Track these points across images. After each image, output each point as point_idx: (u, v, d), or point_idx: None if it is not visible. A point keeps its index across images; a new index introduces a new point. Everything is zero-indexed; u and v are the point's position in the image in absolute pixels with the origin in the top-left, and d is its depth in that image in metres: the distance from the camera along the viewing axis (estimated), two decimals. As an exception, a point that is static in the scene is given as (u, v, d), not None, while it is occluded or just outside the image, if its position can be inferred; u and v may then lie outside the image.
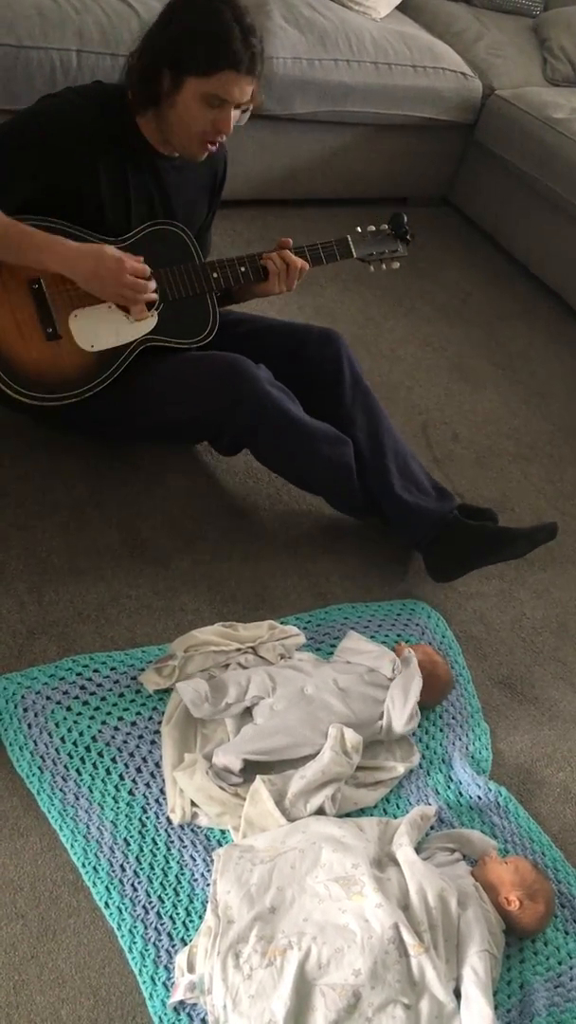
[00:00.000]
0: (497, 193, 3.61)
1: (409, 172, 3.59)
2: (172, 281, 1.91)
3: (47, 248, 1.75)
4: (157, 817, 1.56)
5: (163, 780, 1.60)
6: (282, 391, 1.95)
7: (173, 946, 1.41)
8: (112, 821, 1.53)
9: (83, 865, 1.46)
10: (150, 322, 1.91)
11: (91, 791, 1.56)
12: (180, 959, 1.38)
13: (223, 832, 1.56)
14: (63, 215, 1.83)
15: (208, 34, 1.69)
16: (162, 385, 1.92)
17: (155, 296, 1.87)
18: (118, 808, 1.55)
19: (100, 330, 1.86)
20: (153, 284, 1.85)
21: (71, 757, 1.59)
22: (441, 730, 1.84)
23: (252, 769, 1.61)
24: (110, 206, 1.86)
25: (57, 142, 1.77)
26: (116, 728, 1.65)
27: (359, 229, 2.10)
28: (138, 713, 1.69)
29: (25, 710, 1.63)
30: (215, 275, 1.95)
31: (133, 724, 1.67)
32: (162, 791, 1.59)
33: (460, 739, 1.84)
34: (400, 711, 1.73)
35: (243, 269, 1.96)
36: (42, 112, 1.79)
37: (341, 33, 3.12)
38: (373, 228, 2.12)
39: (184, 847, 1.53)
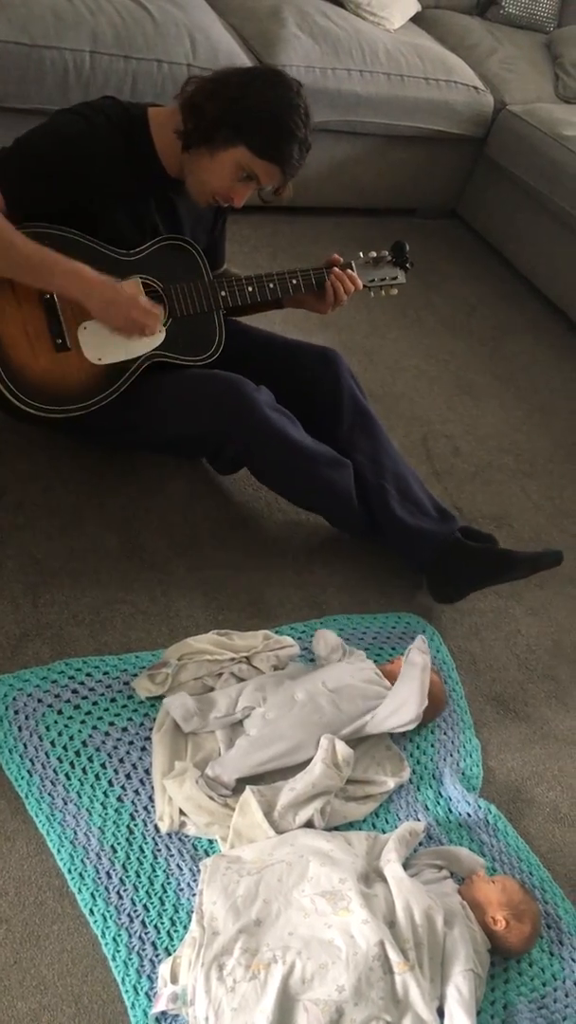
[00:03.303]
0: (505, 208, 3.62)
1: (418, 184, 3.60)
2: (181, 298, 1.92)
3: (72, 275, 1.76)
4: (145, 825, 1.55)
5: (152, 787, 1.60)
6: (282, 414, 1.95)
7: (157, 956, 1.40)
8: (100, 827, 1.52)
9: (69, 871, 1.46)
10: (158, 337, 1.90)
11: (80, 796, 1.55)
12: (163, 969, 1.37)
13: (211, 842, 1.56)
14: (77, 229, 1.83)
15: (277, 125, 1.75)
16: (164, 402, 1.92)
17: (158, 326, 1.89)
18: (106, 814, 1.54)
19: (108, 343, 1.86)
20: (162, 330, 1.89)
21: (61, 761, 1.58)
22: (432, 745, 1.84)
23: (243, 780, 1.60)
24: (126, 226, 1.87)
25: (81, 170, 1.77)
26: (107, 733, 1.65)
27: (361, 255, 2.13)
28: (129, 719, 1.68)
29: (16, 712, 1.62)
30: (223, 293, 1.95)
31: (124, 730, 1.66)
32: (151, 798, 1.58)
33: (451, 755, 1.83)
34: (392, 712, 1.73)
35: (251, 289, 1.97)
36: (67, 139, 1.76)
37: (355, 43, 3.12)
38: (375, 255, 2.14)
39: (171, 856, 1.52)
